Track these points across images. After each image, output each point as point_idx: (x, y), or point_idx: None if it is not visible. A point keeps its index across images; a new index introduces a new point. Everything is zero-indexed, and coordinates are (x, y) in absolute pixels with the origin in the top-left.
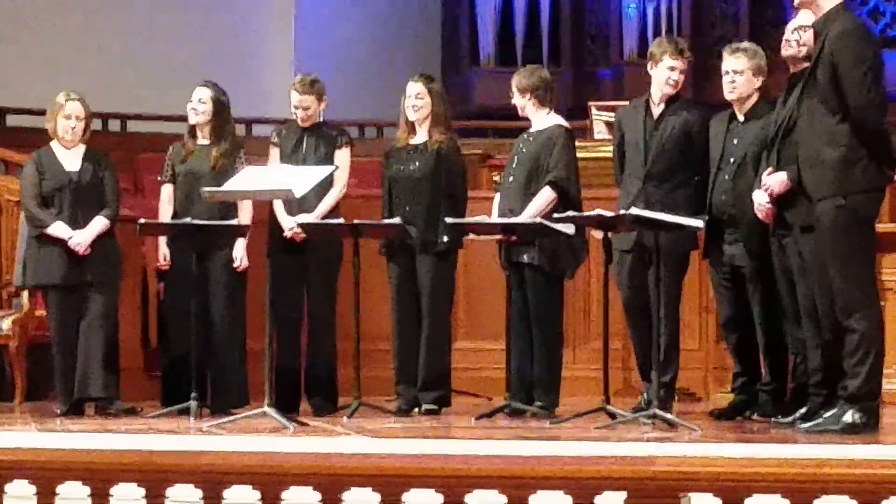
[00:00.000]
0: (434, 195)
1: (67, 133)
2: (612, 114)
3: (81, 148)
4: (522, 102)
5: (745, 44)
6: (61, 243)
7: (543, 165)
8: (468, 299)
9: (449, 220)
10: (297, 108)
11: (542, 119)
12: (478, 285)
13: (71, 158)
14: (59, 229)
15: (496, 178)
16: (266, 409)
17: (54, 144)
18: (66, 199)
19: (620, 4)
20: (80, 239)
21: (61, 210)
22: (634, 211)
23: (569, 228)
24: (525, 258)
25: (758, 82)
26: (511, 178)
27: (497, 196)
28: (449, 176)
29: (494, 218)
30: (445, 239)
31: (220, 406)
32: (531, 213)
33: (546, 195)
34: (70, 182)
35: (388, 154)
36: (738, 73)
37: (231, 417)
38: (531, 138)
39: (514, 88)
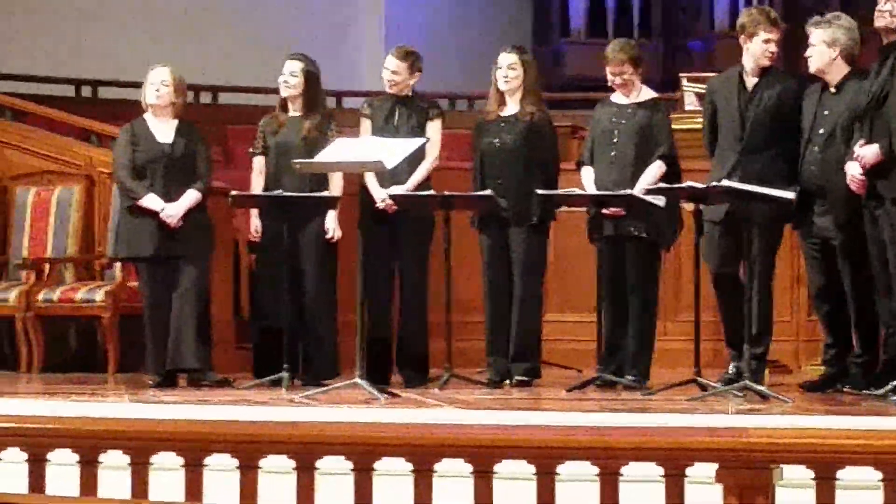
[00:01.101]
0: (526, 167)
1: (153, 98)
2: (703, 86)
3: (174, 121)
4: (630, 74)
5: (828, 15)
6: (154, 215)
7: (652, 139)
8: (558, 271)
9: (540, 191)
10: (386, 69)
11: (642, 92)
12: (568, 257)
13: (164, 130)
14: (151, 201)
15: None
16: (357, 380)
17: (147, 116)
18: (159, 171)
19: None
20: (172, 211)
21: (154, 182)
22: (726, 183)
23: (659, 200)
24: (631, 230)
25: (834, 53)
26: (613, 152)
27: (587, 168)
28: (541, 148)
29: (588, 190)
30: (538, 211)
31: (311, 377)
32: (643, 186)
33: (657, 168)
34: (163, 154)
35: (479, 126)
36: (813, 45)
37: (323, 388)
38: (631, 111)
39: (620, 59)
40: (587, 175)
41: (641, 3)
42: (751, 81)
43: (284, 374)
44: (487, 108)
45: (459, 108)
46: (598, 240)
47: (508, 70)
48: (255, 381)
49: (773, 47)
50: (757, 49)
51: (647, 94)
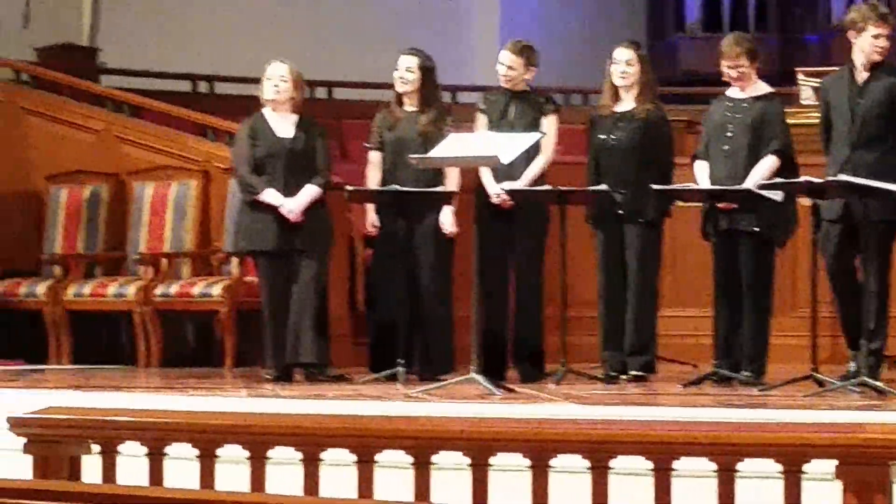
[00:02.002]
0: (641, 163)
1: (272, 93)
2: (819, 80)
3: (294, 115)
4: (745, 67)
5: None
6: (273, 210)
7: (766, 133)
8: (673, 266)
9: (656, 186)
10: (501, 64)
11: (757, 86)
12: (683, 252)
13: (283, 125)
14: (271, 196)
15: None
16: (474, 375)
17: (266, 111)
18: (279, 165)
19: None
20: (292, 206)
21: (273, 177)
22: (843, 177)
23: (776, 195)
24: (745, 225)
25: None
26: (727, 146)
27: (699, 163)
28: (656, 144)
29: (703, 185)
30: (653, 207)
31: (427, 372)
32: (755, 179)
33: (771, 163)
34: (283, 149)
35: (593, 121)
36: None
37: (439, 383)
38: (746, 105)
39: (735, 53)
40: (701, 169)
41: None
42: (861, 76)
43: (400, 369)
44: (601, 103)
45: (574, 103)
46: (711, 235)
47: (626, 66)
48: (371, 375)
49: (882, 42)
50: (866, 44)
51: (763, 88)
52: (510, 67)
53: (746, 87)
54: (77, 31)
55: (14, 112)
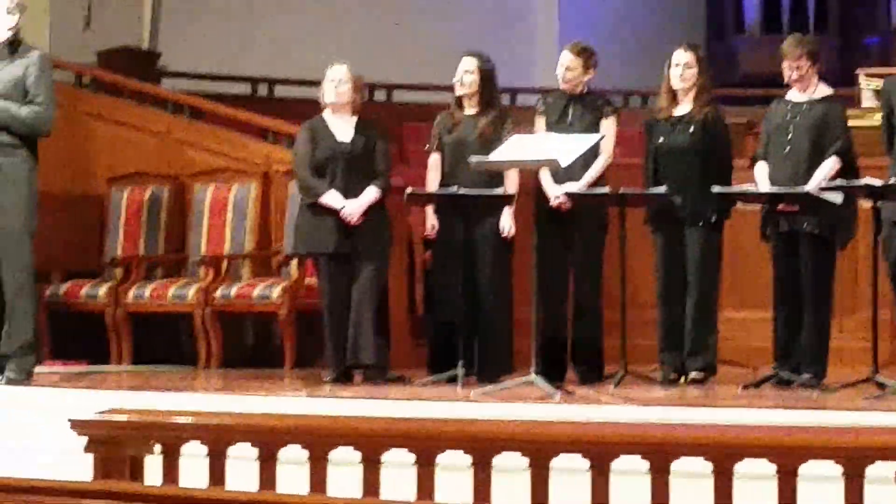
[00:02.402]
0: (700, 165)
1: (332, 96)
2: (880, 81)
3: (353, 118)
4: (806, 69)
5: None
6: (333, 213)
7: (827, 135)
8: (733, 268)
9: (716, 189)
10: (561, 65)
11: (818, 88)
12: (743, 254)
13: (344, 128)
14: (331, 198)
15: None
16: (533, 377)
17: (326, 114)
18: (339, 168)
19: None
20: (352, 209)
21: (333, 179)
22: None
23: (836, 198)
24: (806, 227)
25: None
26: (788, 148)
27: (761, 165)
28: (714, 146)
29: (763, 187)
30: (713, 209)
31: (486, 374)
32: (816, 182)
33: (831, 165)
34: (343, 151)
35: (650, 125)
36: None
37: (498, 386)
38: (807, 107)
39: (797, 54)
40: (761, 171)
41: None
42: None
43: (460, 371)
44: (658, 105)
45: (633, 105)
46: (771, 237)
47: (685, 69)
48: (430, 377)
49: None
50: None
51: (823, 90)
52: (569, 69)
53: (807, 88)
54: (138, 34)
55: (76, 115)
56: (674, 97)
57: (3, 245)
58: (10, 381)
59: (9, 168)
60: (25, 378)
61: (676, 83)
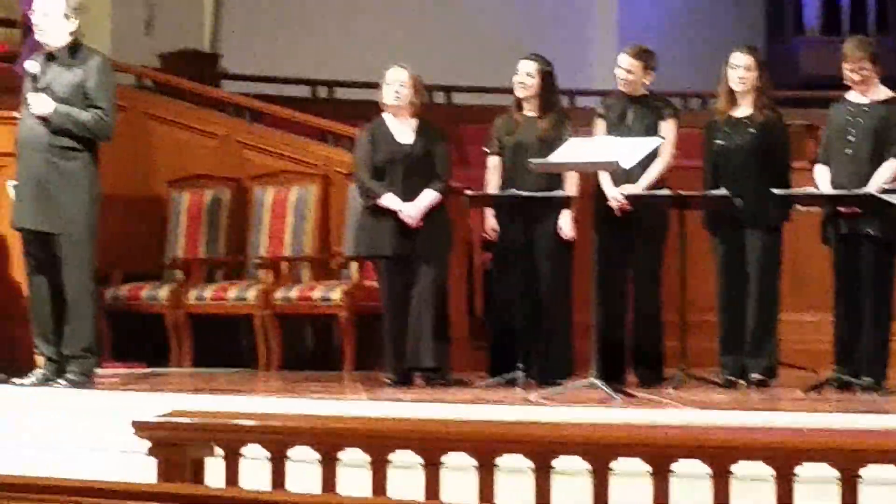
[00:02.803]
0: (760, 168)
1: (392, 99)
2: None
3: (414, 120)
4: (868, 71)
5: None
6: (393, 215)
7: (888, 137)
8: (793, 271)
9: (776, 191)
10: (620, 67)
11: (879, 90)
12: (803, 256)
13: (404, 130)
14: (390, 201)
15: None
16: (593, 379)
17: (387, 116)
18: (399, 170)
19: None
20: (412, 211)
21: (393, 181)
22: None
23: None
24: (867, 230)
25: None
26: (849, 150)
27: (820, 167)
28: (774, 148)
29: (823, 189)
30: (774, 211)
31: (546, 376)
32: (877, 184)
33: (893, 167)
34: (402, 154)
35: (710, 127)
36: None
37: (558, 388)
38: (868, 109)
39: (858, 56)
40: (821, 173)
41: None
42: None
43: (520, 374)
44: (717, 107)
45: (691, 107)
46: (832, 240)
47: (744, 71)
48: (490, 379)
49: None
50: None
51: (884, 92)
52: (629, 71)
53: (868, 91)
54: (199, 37)
55: (137, 118)
56: (733, 99)
57: (64, 247)
58: (71, 384)
59: (70, 171)
60: (87, 380)
61: (735, 85)
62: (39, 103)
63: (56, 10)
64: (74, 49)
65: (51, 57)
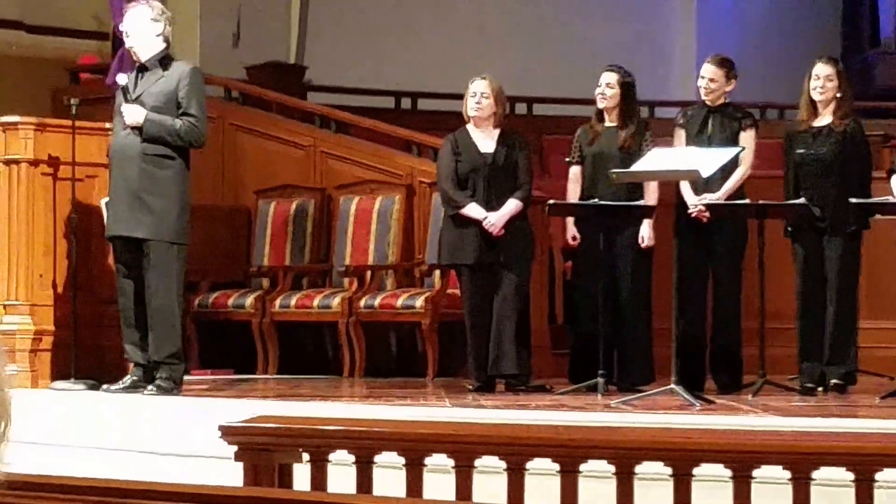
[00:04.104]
0: (840, 177)
1: (472, 110)
2: None
3: (496, 130)
4: None
5: None
6: (476, 224)
7: None
8: (872, 278)
9: (855, 200)
10: (703, 77)
11: None
12: (882, 264)
13: (486, 140)
14: (473, 210)
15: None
16: (673, 386)
17: (469, 127)
18: (481, 180)
19: None
20: (494, 220)
21: (476, 191)
22: None
23: None
24: None
25: None
26: None
27: None
28: (855, 157)
29: None
30: (853, 220)
31: (627, 383)
32: None
33: None
34: (485, 164)
35: (791, 136)
36: None
37: (638, 394)
38: None
39: None
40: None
41: None
42: None
43: (600, 380)
44: (799, 117)
45: (770, 118)
46: None
47: (826, 81)
48: (571, 386)
49: None
50: None
51: None
52: (712, 80)
53: None
54: (285, 50)
55: (225, 129)
56: (814, 109)
57: (153, 254)
58: (160, 390)
59: (163, 179)
60: (175, 387)
61: (816, 95)
62: (132, 113)
63: (141, 20)
64: (165, 60)
65: (143, 68)
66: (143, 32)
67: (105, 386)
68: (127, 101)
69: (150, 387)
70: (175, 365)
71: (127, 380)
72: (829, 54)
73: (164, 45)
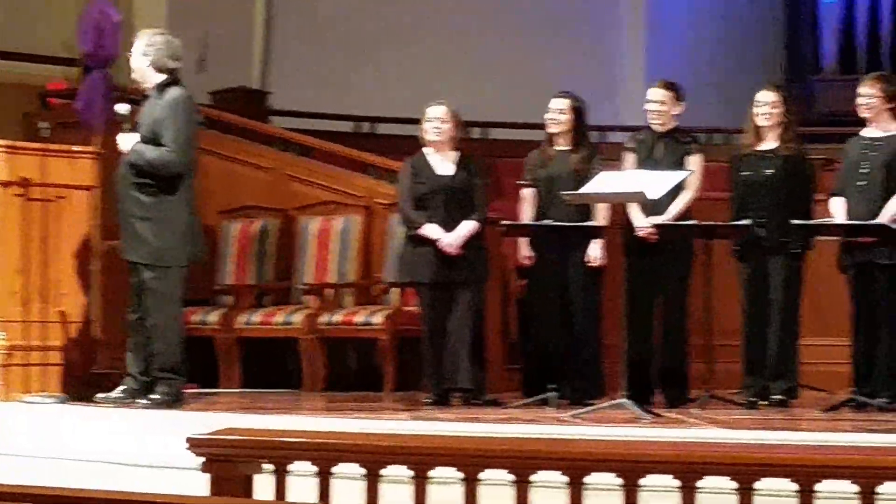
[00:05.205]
0: (784, 199)
1: (433, 135)
2: None
3: (454, 153)
4: (880, 108)
5: None
6: (432, 244)
7: None
8: (813, 296)
9: (796, 221)
10: (652, 101)
11: (892, 125)
12: (822, 284)
13: (444, 164)
14: (431, 231)
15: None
16: (623, 400)
17: (427, 150)
18: (439, 202)
19: None
20: (451, 240)
21: (434, 212)
22: None
23: None
24: (880, 258)
25: None
26: (864, 183)
27: (836, 199)
28: (798, 180)
29: (839, 220)
30: (797, 240)
31: (578, 397)
32: (889, 214)
33: None
34: (442, 186)
35: (737, 159)
36: None
37: (589, 408)
38: (882, 143)
39: (873, 94)
40: (837, 205)
41: (893, 39)
42: None
43: (552, 394)
44: (744, 142)
45: (716, 142)
46: (848, 268)
47: (769, 108)
48: (524, 400)
49: None
50: None
51: None
52: (661, 103)
53: (881, 126)
54: (248, 75)
55: None
56: (759, 134)
57: (146, 277)
58: (154, 403)
59: (150, 206)
60: (171, 401)
61: (762, 121)
62: (122, 141)
63: (135, 52)
64: (162, 87)
65: (145, 97)
66: (136, 63)
67: (98, 395)
68: (123, 130)
69: (142, 400)
70: (171, 380)
71: (118, 391)
72: (775, 81)
73: (159, 75)
